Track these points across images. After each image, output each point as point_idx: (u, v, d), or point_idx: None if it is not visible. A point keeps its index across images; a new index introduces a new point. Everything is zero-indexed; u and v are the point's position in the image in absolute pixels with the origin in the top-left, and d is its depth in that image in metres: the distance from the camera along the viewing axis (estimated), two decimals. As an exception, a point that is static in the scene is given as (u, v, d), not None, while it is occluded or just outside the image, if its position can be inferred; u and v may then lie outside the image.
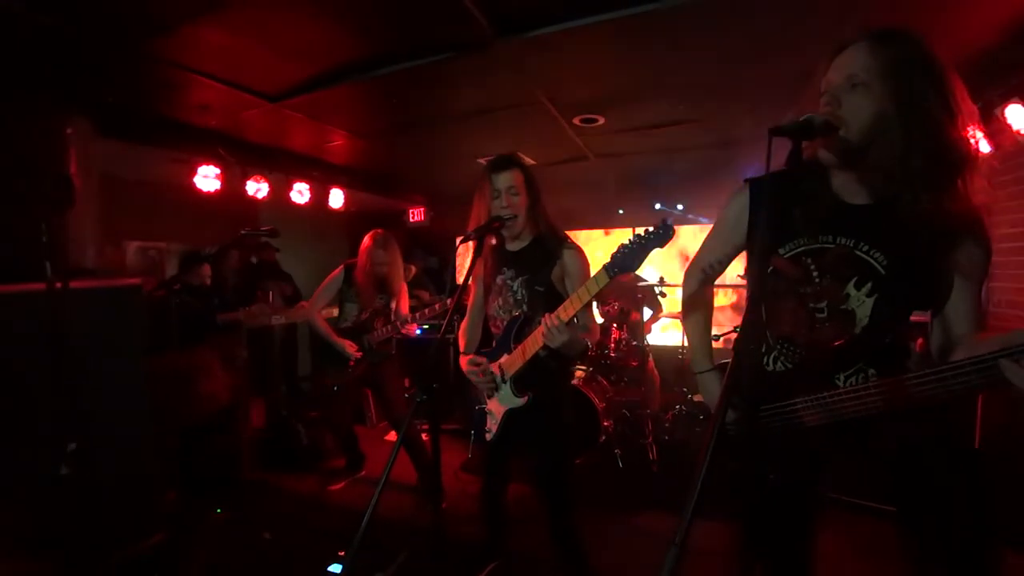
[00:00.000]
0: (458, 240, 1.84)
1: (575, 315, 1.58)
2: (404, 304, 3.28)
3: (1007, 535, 1.83)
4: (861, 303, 1.08)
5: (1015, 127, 2.54)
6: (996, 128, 2.63)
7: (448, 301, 3.20)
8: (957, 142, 0.97)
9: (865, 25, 1.04)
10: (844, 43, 1.04)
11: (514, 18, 2.22)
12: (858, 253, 1.07)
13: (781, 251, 1.15)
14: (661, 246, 1.37)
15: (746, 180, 1.25)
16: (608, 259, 1.45)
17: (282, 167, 4.22)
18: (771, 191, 1.17)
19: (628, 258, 1.40)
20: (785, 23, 2.22)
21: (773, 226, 1.13)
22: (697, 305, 1.40)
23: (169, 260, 4.67)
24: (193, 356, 3.02)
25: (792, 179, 1.08)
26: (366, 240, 3.15)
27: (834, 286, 1.09)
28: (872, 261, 1.06)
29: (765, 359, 1.21)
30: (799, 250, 1.14)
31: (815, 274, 1.12)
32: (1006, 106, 2.56)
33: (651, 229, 1.36)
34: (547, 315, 1.58)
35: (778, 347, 1.19)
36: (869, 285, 1.07)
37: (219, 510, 2.83)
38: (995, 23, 2.26)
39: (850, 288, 1.08)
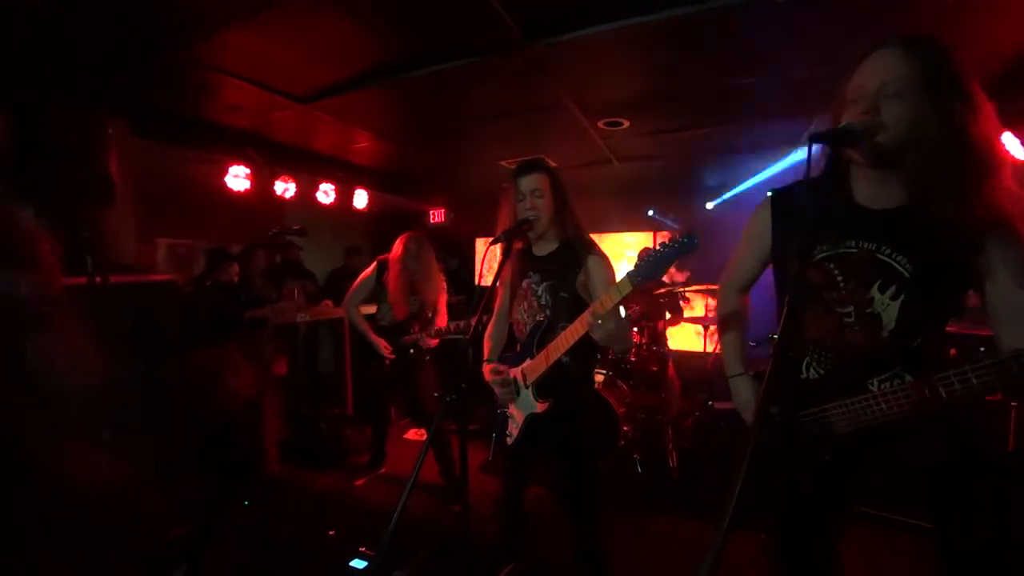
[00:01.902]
0: (486, 243, 1.85)
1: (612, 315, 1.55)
2: (443, 317, 3.24)
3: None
4: (886, 306, 1.08)
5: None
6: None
7: (462, 323, 3.16)
8: (985, 147, 0.98)
9: (891, 32, 1.04)
10: (872, 48, 1.04)
11: (543, 22, 2.23)
12: (880, 257, 1.08)
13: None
14: (685, 255, 1.38)
15: (769, 192, 1.28)
16: (632, 267, 1.46)
17: (309, 168, 4.30)
18: (795, 201, 1.20)
19: (651, 267, 1.42)
20: (814, 31, 2.21)
21: (801, 234, 1.11)
22: (731, 313, 1.44)
23: (197, 258, 4.78)
24: (222, 351, 3.09)
25: (813, 188, 1.11)
26: (397, 246, 3.09)
27: (858, 290, 1.11)
28: (895, 264, 1.06)
29: (800, 366, 1.21)
30: (822, 256, 1.15)
31: (839, 279, 1.13)
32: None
33: (675, 239, 1.38)
34: (594, 303, 1.56)
35: (811, 353, 1.20)
36: (893, 288, 1.07)
37: (246, 503, 2.89)
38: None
39: (874, 292, 1.09)
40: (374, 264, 3.19)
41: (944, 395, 0.95)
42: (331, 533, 2.63)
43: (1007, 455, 2.34)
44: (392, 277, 3.07)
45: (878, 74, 1.00)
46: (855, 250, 1.11)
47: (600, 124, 3.52)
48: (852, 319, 1.12)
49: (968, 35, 2.27)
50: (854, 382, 1.12)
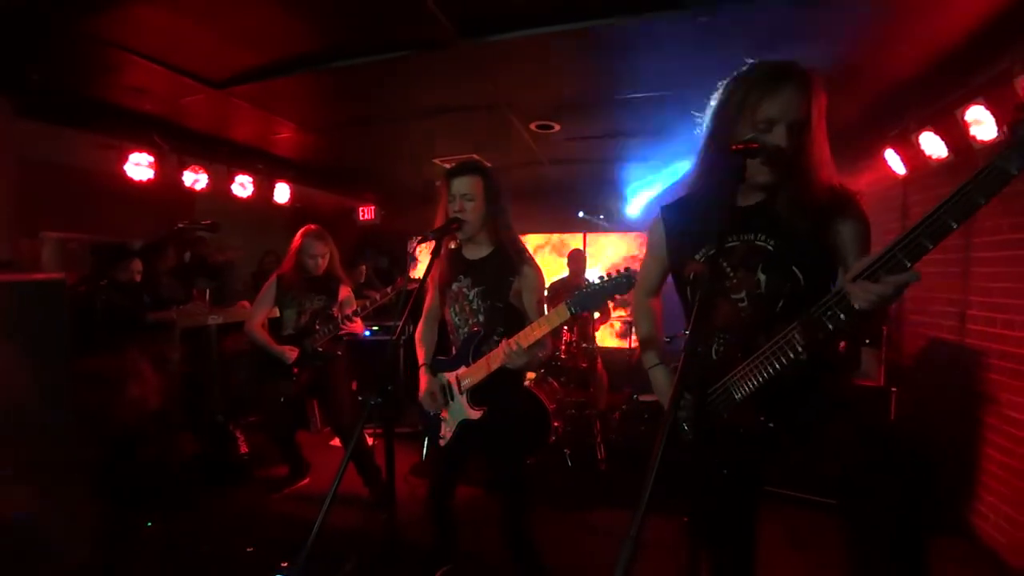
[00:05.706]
0: (417, 240, 1.83)
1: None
2: (350, 296, 3.12)
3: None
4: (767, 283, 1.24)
5: (927, 152, 2.77)
6: (913, 153, 2.89)
7: (389, 289, 3.10)
8: (818, 160, 1.19)
9: (786, 59, 1.20)
10: (776, 76, 1.17)
11: (477, 21, 2.23)
12: (758, 244, 1.26)
13: (697, 256, 1.32)
14: (622, 293, 1.54)
15: (660, 208, 1.46)
16: (571, 297, 1.58)
17: (223, 158, 4.00)
18: (681, 213, 1.39)
19: (589, 300, 1.56)
20: (730, 50, 2.35)
21: (688, 238, 1.33)
22: (645, 314, 1.59)
23: (91, 254, 4.30)
24: (121, 358, 2.80)
25: (695, 198, 1.34)
26: (297, 236, 3.00)
27: (747, 276, 1.26)
28: (767, 246, 1.24)
29: (710, 351, 1.32)
30: (712, 253, 1.25)
31: (729, 270, 1.28)
32: (920, 133, 2.79)
33: (613, 276, 1.52)
34: (508, 341, 1.67)
35: (716, 340, 1.32)
36: (771, 267, 1.23)
37: (150, 523, 2.63)
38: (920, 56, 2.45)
39: (759, 274, 1.24)
40: (274, 276, 3.08)
41: (828, 323, 1.07)
42: (249, 550, 2.47)
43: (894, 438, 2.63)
44: (293, 262, 2.98)
45: (787, 113, 1.15)
46: (738, 243, 1.27)
47: (532, 126, 3.58)
48: (745, 303, 1.26)
49: (869, 59, 2.46)
50: (749, 354, 1.23)
